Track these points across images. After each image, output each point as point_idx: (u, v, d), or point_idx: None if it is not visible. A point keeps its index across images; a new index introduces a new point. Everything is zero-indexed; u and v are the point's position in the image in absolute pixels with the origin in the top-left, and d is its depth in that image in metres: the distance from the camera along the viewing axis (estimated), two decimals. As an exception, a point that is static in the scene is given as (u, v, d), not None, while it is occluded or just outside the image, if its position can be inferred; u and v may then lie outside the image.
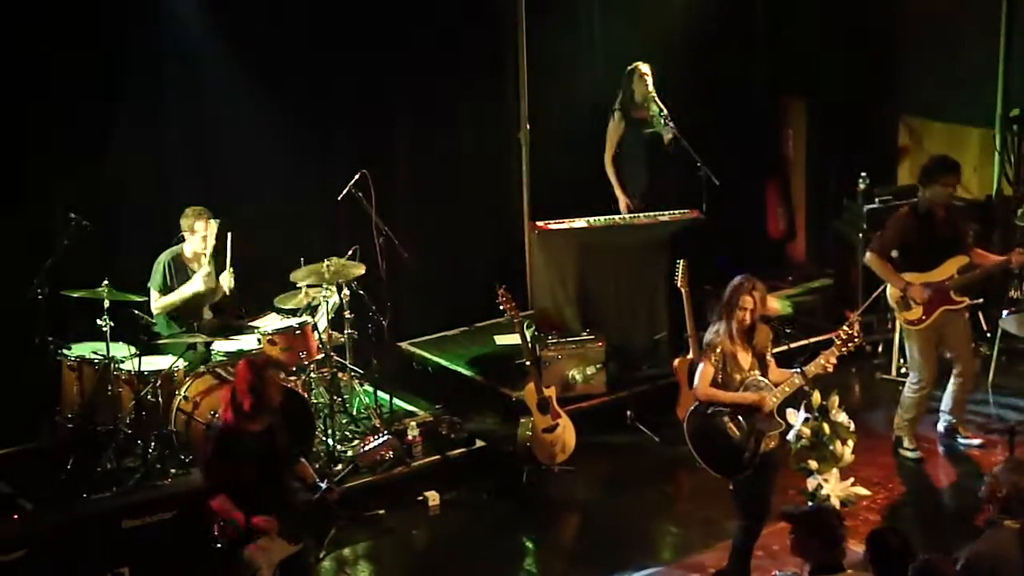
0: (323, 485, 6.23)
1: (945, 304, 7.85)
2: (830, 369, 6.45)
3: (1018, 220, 9.50)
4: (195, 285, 8.04)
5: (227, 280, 8.16)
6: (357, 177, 8.35)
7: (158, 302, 8.05)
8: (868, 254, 7.97)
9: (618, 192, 9.59)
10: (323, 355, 8.15)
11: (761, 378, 6.40)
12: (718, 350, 6.37)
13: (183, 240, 8.10)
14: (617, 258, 9.25)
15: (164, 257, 8.12)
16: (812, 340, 9.08)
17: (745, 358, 6.40)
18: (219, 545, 6.07)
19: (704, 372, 6.40)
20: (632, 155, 9.62)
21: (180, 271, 8.11)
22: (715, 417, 6.41)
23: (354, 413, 8.42)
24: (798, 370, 6.43)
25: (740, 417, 6.39)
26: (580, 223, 9.31)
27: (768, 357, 6.48)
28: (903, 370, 8.90)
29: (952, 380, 8.15)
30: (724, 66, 10.57)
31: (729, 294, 6.39)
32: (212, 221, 8.06)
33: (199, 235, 8.04)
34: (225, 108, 8.84)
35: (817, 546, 5.31)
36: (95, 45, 8.28)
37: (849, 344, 6.50)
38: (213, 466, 6.13)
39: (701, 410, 6.46)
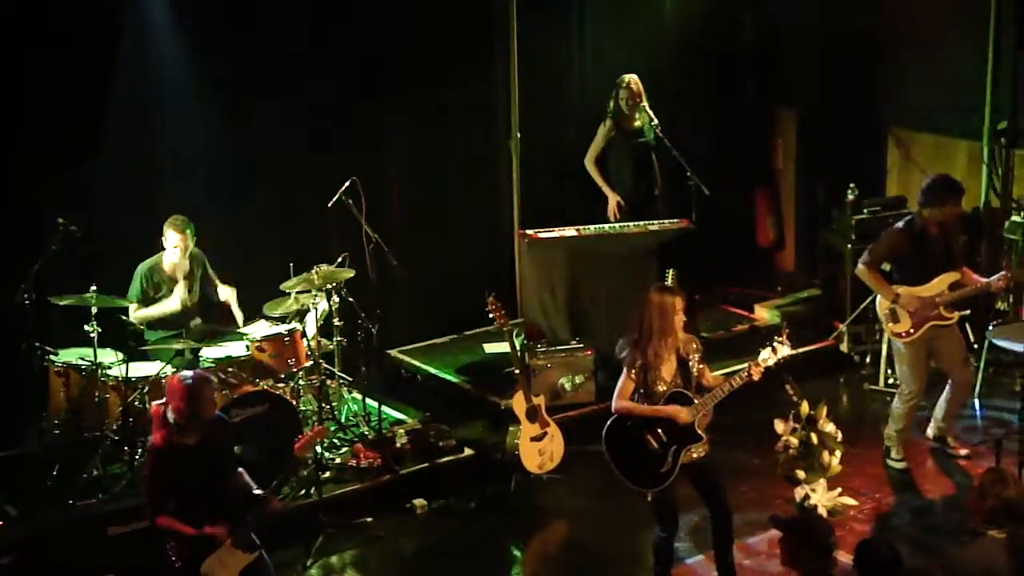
0: (259, 493, 6.17)
1: (934, 319, 7.86)
2: (756, 378, 6.44)
3: (1006, 232, 9.53)
4: (172, 304, 8.04)
5: (229, 294, 8.18)
6: (347, 184, 8.35)
7: (135, 314, 8.04)
8: (859, 265, 7.99)
9: (605, 189, 9.62)
10: (312, 362, 8.14)
11: (683, 390, 6.40)
12: (638, 363, 6.38)
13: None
14: (606, 267, 9.27)
15: (142, 267, 8.15)
16: (800, 350, 9.08)
17: (668, 368, 6.41)
18: (177, 565, 6.03)
19: (623, 386, 6.42)
20: (619, 163, 9.66)
21: (157, 282, 8.12)
22: (633, 430, 6.43)
23: (343, 421, 8.42)
24: (745, 374, 6.41)
25: (660, 430, 6.41)
26: (570, 232, 9.33)
27: (695, 364, 6.46)
28: (891, 380, 8.92)
29: (946, 390, 8.16)
30: (714, 77, 10.60)
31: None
32: (186, 232, 8.04)
33: (171, 245, 8.04)
34: (215, 115, 8.84)
35: (807, 555, 5.30)
36: (84, 51, 8.27)
37: (776, 356, 6.46)
38: (154, 487, 6.02)
39: (620, 423, 6.47)
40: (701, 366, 6.51)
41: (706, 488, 6.55)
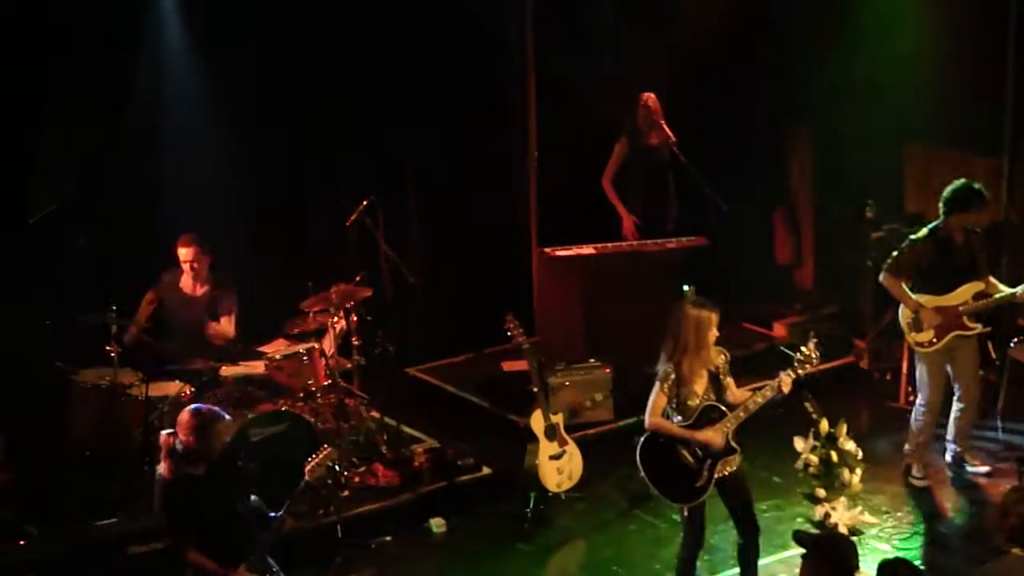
0: (273, 516, 6.17)
1: (957, 329, 7.83)
2: (785, 391, 6.43)
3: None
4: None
5: (228, 326, 8.21)
6: (365, 203, 8.38)
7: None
8: (883, 274, 7.97)
9: (620, 209, 9.64)
10: (330, 381, 8.15)
11: (716, 404, 6.40)
12: (671, 377, 6.38)
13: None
14: (625, 285, 9.25)
15: (169, 274, 8.23)
16: (820, 367, 9.03)
17: (700, 383, 6.40)
18: None
19: (655, 401, 6.41)
20: (636, 181, 9.67)
21: (169, 292, 8.18)
22: (668, 445, 6.41)
23: (360, 440, 8.42)
24: (776, 384, 6.41)
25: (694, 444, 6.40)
26: (588, 250, 9.33)
27: (724, 379, 6.46)
28: (911, 398, 8.88)
29: (954, 408, 8.13)
30: (731, 93, 10.59)
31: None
32: (196, 248, 8.09)
33: (183, 261, 8.11)
34: (234, 134, 8.88)
35: (828, 574, 5.27)
36: (98, 69, 8.32)
37: (806, 365, 6.48)
38: (172, 519, 6.03)
39: (654, 438, 6.46)
40: (728, 380, 6.50)
41: (738, 501, 6.54)
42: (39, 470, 7.86)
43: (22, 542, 7.29)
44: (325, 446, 6.52)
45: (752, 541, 6.56)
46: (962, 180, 7.83)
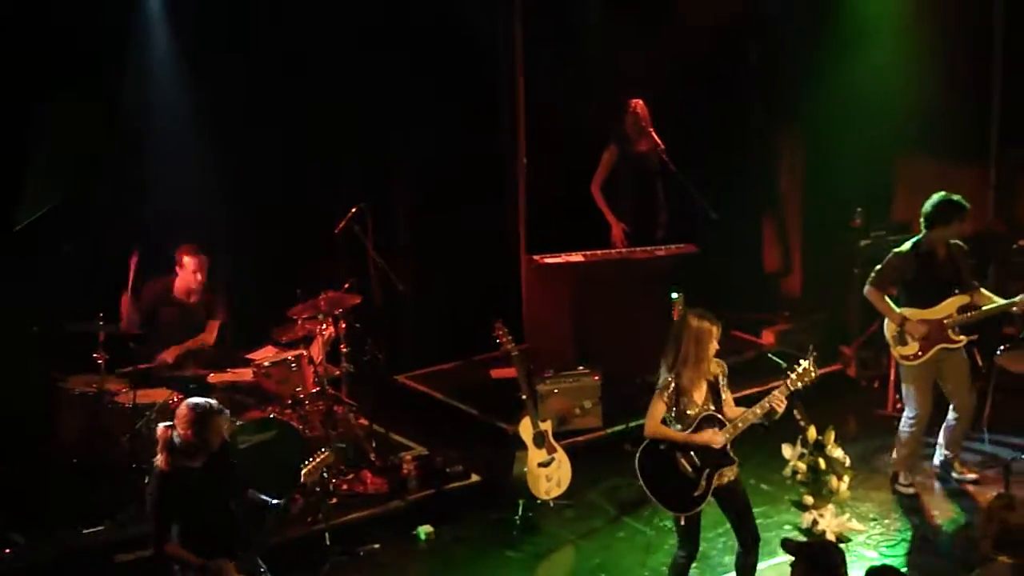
0: (277, 502, 6.17)
1: (943, 342, 7.85)
2: (779, 408, 6.44)
3: (1014, 257, 9.50)
4: None
5: (211, 331, 8.19)
6: (354, 211, 8.38)
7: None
8: (867, 287, 7.99)
9: (609, 217, 9.65)
10: (318, 388, 8.14)
11: (715, 413, 6.42)
12: (671, 387, 6.40)
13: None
14: (613, 292, 9.27)
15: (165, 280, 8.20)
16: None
17: (700, 393, 6.43)
18: None
19: (654, 410, 6.43)
20: (624, 188, 9.68)
21: (161, 300, 8.14)
22: (667, 454, 6.43)
23: (349, 447, 8.40)
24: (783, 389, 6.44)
25: (692, 453, 6.41)
26: (576, 257, 9.34)
27: (723, 388, 6.49)
28: (898, 405, 8.90)
29: (949, 417, 8.15)
30: (720, 101, 10.62)
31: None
32: (200, 256, 8.09)
33: (187, 270, 8.09)
34: (223, 142, 8.87)
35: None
36: (87, 72, 8.31)
37: (805, 379, 6.50)
38: (162, 511, 5.99)
39: (653, 446, 6.47)
40: (726, 394, 6.52)
41: (737, 510, 6.55)
42: (26, 477, 7.83)
43: (8, 550, 7.27)
44: (323, 450, 6.52)
45: (751, 550, 6.56)
46: (942, 193, 7.84)
